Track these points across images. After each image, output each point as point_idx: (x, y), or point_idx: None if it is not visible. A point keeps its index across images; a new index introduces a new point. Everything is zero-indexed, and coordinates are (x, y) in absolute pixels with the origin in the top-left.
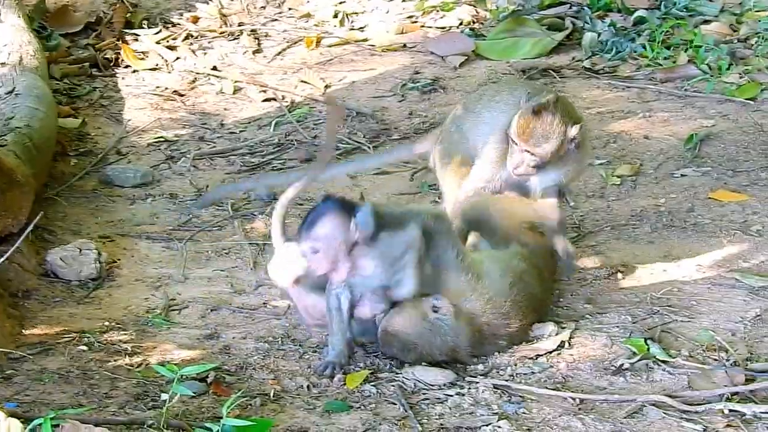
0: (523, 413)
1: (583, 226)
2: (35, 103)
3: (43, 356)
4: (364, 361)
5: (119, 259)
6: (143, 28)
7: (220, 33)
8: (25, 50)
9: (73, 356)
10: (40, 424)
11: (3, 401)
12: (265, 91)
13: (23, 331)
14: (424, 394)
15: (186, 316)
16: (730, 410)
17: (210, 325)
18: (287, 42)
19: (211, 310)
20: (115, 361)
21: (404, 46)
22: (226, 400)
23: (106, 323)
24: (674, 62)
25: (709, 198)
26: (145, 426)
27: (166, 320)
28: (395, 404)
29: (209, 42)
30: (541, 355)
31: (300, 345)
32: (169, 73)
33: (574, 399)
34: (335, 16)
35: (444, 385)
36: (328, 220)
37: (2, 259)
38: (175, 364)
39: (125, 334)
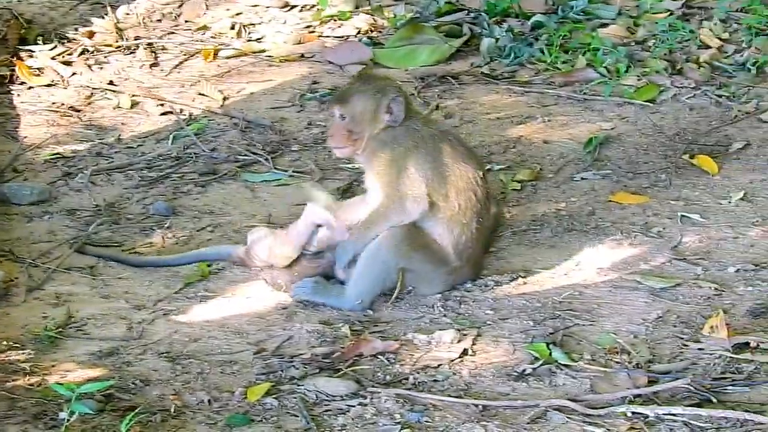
0: (426, 422)
1: None
2: None
3: None
4: (265, 372)
5: (17, 278)
6: (38, 44)
7: (116, 47)
8: None
9: None
10: None
11: None
12: (162, 105)
13: None
14: (326, 405)
15: (85, 333)
16: (633, 413)
17: (109, 342)
18: (184, 55)
19: (111, 327)
20: (13, 380)
21: (302, 56)
22: (126, 417)
23: (4, 342)
24: (572, 66)
25: (610, 201)
26: None
27: (65, 338)
28: (297, 416)
29: (105, 57)
30: (444, 363)
31: (201, 360)
32: (65, 88)
33: (477, 406)
34: (232, 27)
35: (346, 395)
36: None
37: None
38: (74, 382)
39: (23, 353)
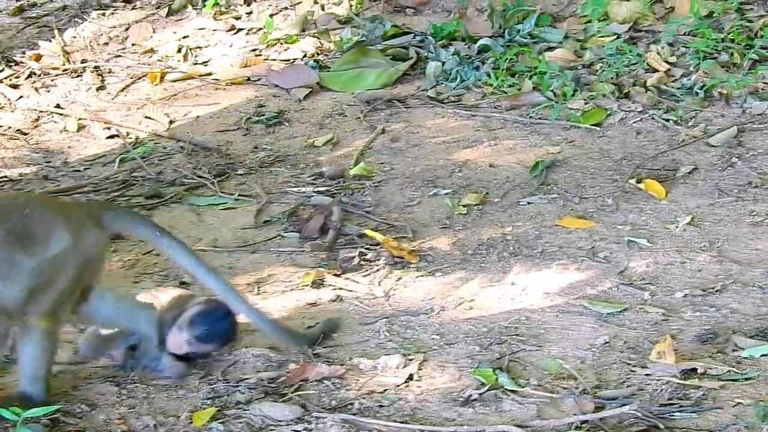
0: None
1: (430, 256)
2: None
3: None
4: (210, 397)
5: None
6: None
7: (63, 70)
8: None
9: None
10: None
11: None
12: (109, 128)
13: None
14: (271, 430)
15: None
16: None
17: (56, 365)
18: (131, 78)
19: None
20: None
21: (248, 79)
22: None
23: None
24: (519, 90)
25: (557, 225)
26: None
27: (10, 362)
28: None
29: (52, 80)
30: (389, 388)
31: (147, 385)
32: (12, 111)
33: (422, 431)
34: (179, 50)
35: (291, 420)
36: (217, 341)
37: None
38: (20, 406)
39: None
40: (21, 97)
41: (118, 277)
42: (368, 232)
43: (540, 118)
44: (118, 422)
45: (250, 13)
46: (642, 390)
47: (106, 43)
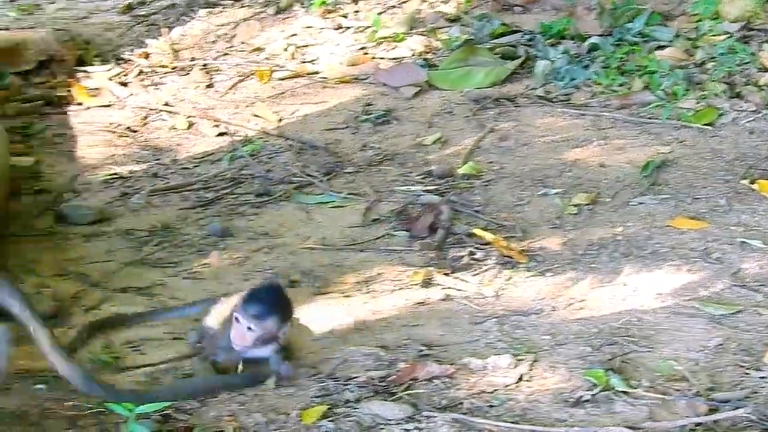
0: None
1: (540, 256)
2: None
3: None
4: (320, 395)
5: (75, 298)
6: (95, 65)
7: (172, 68)
8: None
9: (30, 396)
10: None
11: None
12: (217, 126)
13: None
14: (381, 429)
15: (142, 353)
16: None
17: (166, 362)
18: (239, 76)
19: (167, 347)
20: (72, 400)
21: (356, 77)
22: None
23: None
24: (629, 89)
25: (668, 225)
26: None
27: (122, 358)
28: None
29: (161, 78)
30: (500, 389)
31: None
32: (122, 109)
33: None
34: (286, 49)
35: (401, 419)
36: (274, 315)
37: None
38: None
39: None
40: (130, 94)
41: (227, 275)
42: (478, 231)
43: (650, 118)
44: (228, 419)
45: (358, 11)
46: (756, 393)
47: (214, 41)
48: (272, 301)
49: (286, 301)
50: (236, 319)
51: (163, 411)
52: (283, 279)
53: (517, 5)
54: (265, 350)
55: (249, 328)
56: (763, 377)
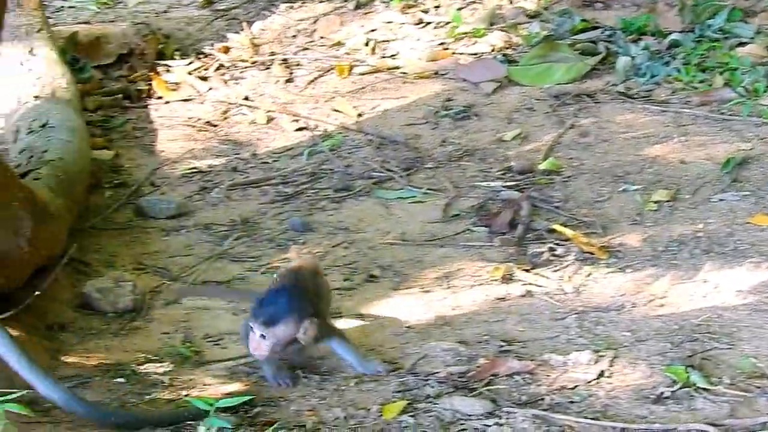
0: None
1: (620, 252)
2: (69, 136)
3: (79, 389)
4: (400, 390)
5: (155, 291)
6: (175, 59)
7: (252, 63)
8: (59, 83)
9: (110, 389)
10: None
11: None
12: (297, 121)
13: (59, 363)
14: (461, 424)
15: (222, 347)
16: None
17: (246, 357)
18: (319, 71)
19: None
20: (152, 393)
21: (436, 73)
22: None
23: (143, 355)
24: (710, 85)
25: (748, 222)
26: None
27: (202, 351)
28: None
29: (241, 72)
30: (580, 385)
31: (336, 377)
32: (202, 103)
33: (614, 428)
34: (366, 44)
35: (482, 415)
36: (284, 320)
37: (39, 292)
38: (212, 396)
39: (162, 366)
40: (210, 89)
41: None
42: (558, 227)
43: (731, 115)
44: (308, 413)
45: (438, 6)
46: None
47: (294, 36)
48: (281, 305)
49: (298, 301)
50: (250, 327)
51: (243, 405)
52: (363, 275)
53: (597, 1)
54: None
55: (262, 336)
56: None
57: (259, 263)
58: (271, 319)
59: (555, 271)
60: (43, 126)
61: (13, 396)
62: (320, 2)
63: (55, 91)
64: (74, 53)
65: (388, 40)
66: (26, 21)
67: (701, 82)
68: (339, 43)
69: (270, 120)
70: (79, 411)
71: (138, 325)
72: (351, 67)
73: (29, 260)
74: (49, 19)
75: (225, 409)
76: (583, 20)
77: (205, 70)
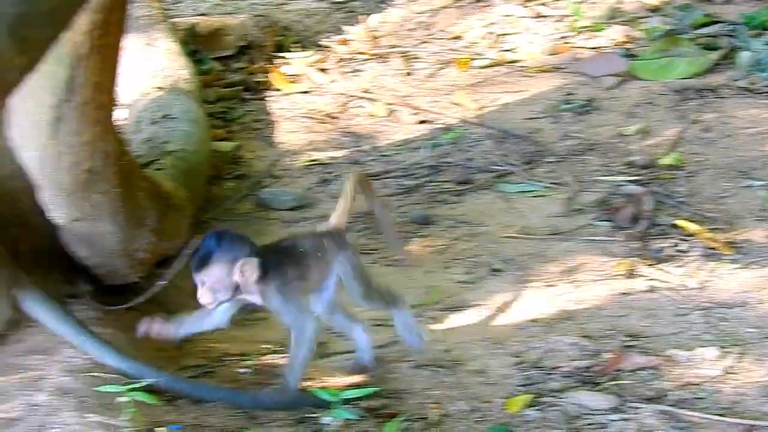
0: None
1: (745, 248)
2: (190, 127)
3: (204, 379)
4: (524, 384)
5: None
6: (294, 51)
7: (371, 55)
8: (180, 74)
9: (234, 379)
10: None
11: (167, 424)
12: (416, 114)
13: (183, 353)
14: (587, 419)
15: (346, 339)
16: None
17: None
18: (438, 64)
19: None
20: (275, 384)
21: (556, 67)
22: (387, 425)
23: (266, 346)
24: None
25: None
26: None
27: (325, 342)
28: (558, 430)
29: (360, 64)
30: (706, 381)
31: (460, 370)
32: (321, 95)
33: (741, 425)
34: (485, 37)
35: (607, 410)
36: (216, 259)
37: (163, 283)
38: (336, 388)
39: (284, 357)
40: (329, 81)
41: (429, 262)
42: (681, 222)
43: None
44: (432, 406)
45: (557, 0)
46: None
47: (413, 29)
48: (209, 247)
49: (228, 242)
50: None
51: (368, 397)
52: (485, 268)
53: None
54: (253, 297)
55: (202, 282)
56: None
57: (381, 255)
58: (202, 263)
59: (679, 266)
60: (165, 117)
61: (141, 385)
62: None
63: (177, 83)
64: (193, 45)
65: (507, 34)
66: (146, 13)
67: None
68: (458, 37)
69: (390, 113)
70: (201, 394)
71: (261, 316)
72: (470, 61)
73: (153, 250)
74: (168, 11)
75: (348, 401)
76: (705, 15)
77: (324, 62)
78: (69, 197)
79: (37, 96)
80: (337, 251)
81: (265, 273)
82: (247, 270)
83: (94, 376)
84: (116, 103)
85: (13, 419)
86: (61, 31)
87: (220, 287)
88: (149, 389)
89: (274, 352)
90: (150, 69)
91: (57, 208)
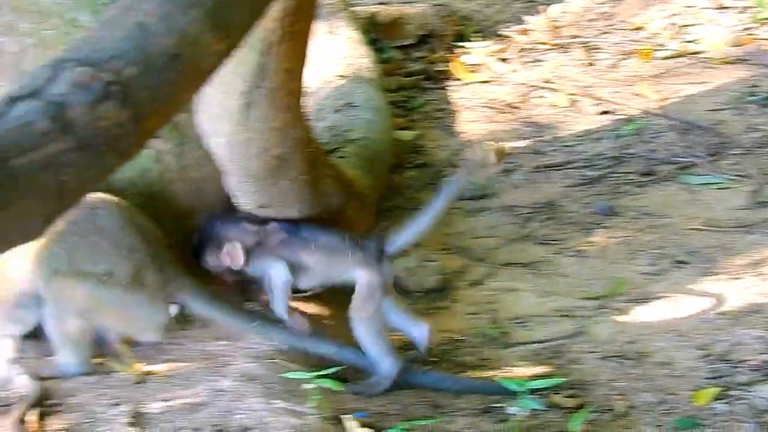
0: None
1: None
2: (373, 115)
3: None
4: (712, 377)
5: (459, 272)
6: (474, 40)
7: (552, 46)
8: (362, 63)
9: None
10: None
11: (352, 411)
12: (598, 104)
13: None
14: None
15: (529, 329)
16: None
17: (553, 340)
18: (619, 54)
19: (554, 324)
20: (459, 373)
21: (740, 58)
22: (573, 415)
23: (450, 336)
24: None
25: None
26: None
27: (508, 333)
28: (747, 423)
29: (540, 55)
30: None
31: (645, 362)
32: (501, 85)
33: None
34: (666, 28)
35: None
36: (202, 250)
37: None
38: (521, 378)
39: (468, 346)
40: (510, 71)
41: (612, 253)
42: None
43: None
44: (618, 398)
45: None
46: None
47: (594, 19)
48: (198, 236)
49: (213, 228)
50: None
51: (553, 388)
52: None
53: None
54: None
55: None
56: None
57: (564, 246)
58: (195, 252)
59: None
60: (348, 105)
61: (327, 372)
62: None
63: (359, 71)
64: (374, 34)
65: (689, 25)
66: (328, 1)
67: None
68: (639, 27)
69: (571, 103)
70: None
71: (443, 305)
72: (652, 51)
73: None
74: (349, 0)
75: (534, 391)
76: None
77: (504, 52)
78: (257, 183)
79: (227, 82)
80: (355, 266)
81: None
82: (233, 255)
83: (278, 362)
84: (304, 89)
85: (199, 404)
86: (259, 16)
87: (223, 270)
88: (335, 376)
89: (457, 341)
90: (332, 57)
91: (244, 195)
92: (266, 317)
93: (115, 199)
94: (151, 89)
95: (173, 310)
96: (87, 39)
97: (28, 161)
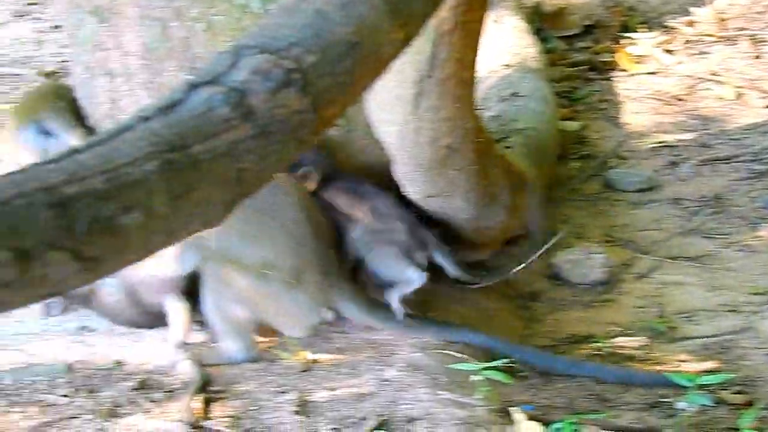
0: None
1: None
2: (539, 105)
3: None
4: None
5: (625, 265)
6: (639, 31)
7: (718, 38)
8: (528, 52)
9: (582, 359)
10: (560, 428)
11: (520, 404)
12: (766, 98)
13: (531, 332)
14: None
15: (696, 323)
16: None
17: (720, 334)
18: None
19: (722, 318)
20: (626, 367)
21: None
22: (743, 413)
23: (615, 328)
24: None
25: None
26: None
27: (675, 327)
28: None
29: (707, 47)
30: None
31: None
32: (667, 77)
33: None
34: None
35: None
36: None
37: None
38: (688, 373)
39: (634, 340)
40: (676, 62)
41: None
42: None
43: None
44: None
45: None
46: None
47: (762, 12)
48: None
49: None
50: None
51: (721, 384)
52: None
53: None
54: None
55: None
56: None
57: (730, 240)
58: None
59: None
60: (514, 95)
61: (495, 363)
62: None
63: (525, 61)
64: (538, 23)
65: None
66: None
67: None
68: None
69: (738, 96)
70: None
71: (609, 298)
72: None
73: (505, 228)
74: None
75: (703, 386)
76: None
77: (670, 43)
78: (426, 173)
79: (399, 71)
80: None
81: None
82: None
83: (445, 353)
84: (476, 80)
85: (365, 394)
86: (437, 5)
87: None
88: (504, 368)
89: (623, 335)
90: (498, 46)
91: (412, 184)
92: (424, 320)
93: (298, 184)
94: (330, 77)
95: (329, 316)
96: (265, 26)
97: (208, 148)
